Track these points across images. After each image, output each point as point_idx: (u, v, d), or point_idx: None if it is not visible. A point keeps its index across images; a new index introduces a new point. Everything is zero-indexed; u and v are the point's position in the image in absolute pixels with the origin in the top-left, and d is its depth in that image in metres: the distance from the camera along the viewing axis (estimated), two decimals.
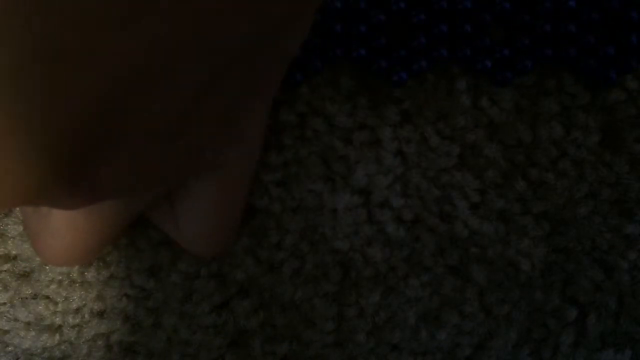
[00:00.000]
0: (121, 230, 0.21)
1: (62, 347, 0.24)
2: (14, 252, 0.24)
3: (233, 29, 0.14)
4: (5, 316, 0.24)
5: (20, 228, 0.24)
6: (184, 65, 0.14)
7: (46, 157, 0.13)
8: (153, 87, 0.14)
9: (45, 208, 0.20)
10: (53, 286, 0.24)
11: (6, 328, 0.24)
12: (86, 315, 0.24)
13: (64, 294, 0.24)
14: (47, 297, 0.24)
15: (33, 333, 0.24)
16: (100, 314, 0.24)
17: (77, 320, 0.24)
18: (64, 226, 0.20)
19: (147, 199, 0.20)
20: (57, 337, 0.24)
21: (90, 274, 0.24)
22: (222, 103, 0.16)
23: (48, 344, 0.24)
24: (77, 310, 0.24)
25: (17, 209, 0.24)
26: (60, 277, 0.24)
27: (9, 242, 0.24)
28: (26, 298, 0.24)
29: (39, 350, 0.24)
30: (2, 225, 0.24)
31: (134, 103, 0.14)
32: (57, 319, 0.24)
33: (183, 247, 0.22)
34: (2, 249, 0.24)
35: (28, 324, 0.24)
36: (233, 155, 0.20)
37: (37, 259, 0.24)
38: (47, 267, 0.24)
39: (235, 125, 0.18)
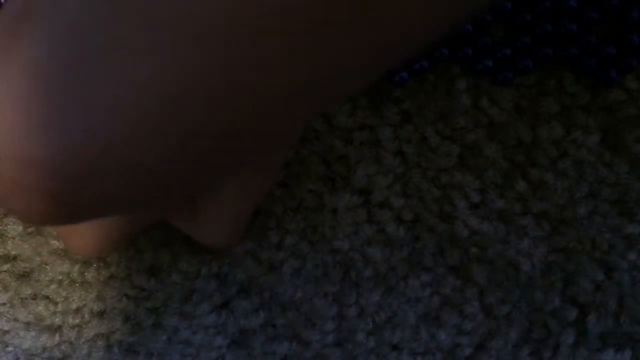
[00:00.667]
0: (149, 222, 0.21)
1: (62, 347, 0.24)
2: (13, 253, 0.24)
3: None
4: (5, 316, 0.24)
5: (20, 228, 0.24)
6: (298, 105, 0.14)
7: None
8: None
9: None
10: (53, 286, 0.24)
11: (6, 328, 0.24)
12: (86, 316, 0.24)
13: (64, 294, 0.24)
14: (47, 297, 0.24)
15: (33, 333, 0.24)
16: (101, 314, 0.24)
17: (77, 321, 0.24)
18: None
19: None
20: (57, 337, 0.24)
21: (90, 274, 0.24)
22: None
23: (48, 344, 0.24)
24: (77, 311, 0.24)
25: None
26: (60, 277, 0.24)
27: (9, 242, 0.24)
28: (26, 298, 0.24)
29: (39, 351, 0.24)
30: (2, 226, 0.24)
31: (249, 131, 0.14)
32: (57, 319, 0.24)
33: (197, 240, 0.22)
34: (2, 249, 0.24)
35: (28, 324, 0.24)
36: (274, 153, 0.20)
37: (37, 258, 0.24)
38: (48, 267, 0.24)
39: (287, 130, 0.19)
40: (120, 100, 0.12)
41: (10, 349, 0.24)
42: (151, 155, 0.12)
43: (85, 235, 0.20)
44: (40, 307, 0.24)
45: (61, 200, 0.13)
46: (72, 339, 0.24)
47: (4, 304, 0.24)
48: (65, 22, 0.11)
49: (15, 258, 0.24)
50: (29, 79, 0.11)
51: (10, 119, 0.12)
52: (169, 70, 0.12)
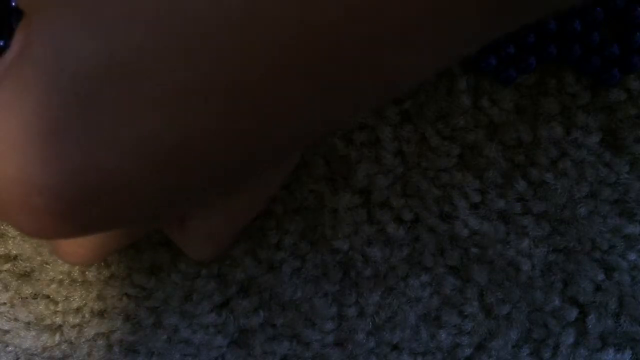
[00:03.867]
0: (139, 236, 0.21)
1: (63, 347, 0.24)
2: (14, 252, 0.24)
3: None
4: (5, 316, 0.24)
5: None
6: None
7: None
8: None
9: None
10: (53, 285, 0.24)
11: (6, 328, 0.24)
12: (87, 315, 0.24)
13: (65, 294, 0.24)
14: (48, 297, 0.24)
15: (33, 333, 0.24)
16: (101, 314, 0.24)
17: (78, 320, 0.24)
18: None
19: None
20: (58, 336, 0.24)
21: (91, 274, 0.24)
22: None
23: (48, 344, 0.24)
24: (78, 310, 0.24)
25: None
26: (61, 277, 0.24)
27: (10, 241, 0.24)
28: (26, 298, 0.24)
29: (39, 350, 0.24)
30: (2, 225, 0.24)
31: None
32: (58, 318, 0.24)
33: (182, 249, 0.22)
34: (2, 249, 0.24)
35: (28, 323, 0.24)
36: (269, 174, 0.20)
37: (38, 258, 0.24)
38: (48, 266, 0.24)
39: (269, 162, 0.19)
40: (122, 145, 0.13)
41: (10, 348, 0.24)
42: (144, 189, 0.14)
43: (74, 243, 0.20)
44: (40, 307, 0.24)
45: (62, 219, 0.14)
46: (73, 338, 0.24)
47: (5, 303, 0.24)
48: (70, 73, 0.12)
49: (16, 257, 0.24)
50: (40, 117, 0.13)
51: (22, 149, 0.13)
52: (173, 124, 0.13)
